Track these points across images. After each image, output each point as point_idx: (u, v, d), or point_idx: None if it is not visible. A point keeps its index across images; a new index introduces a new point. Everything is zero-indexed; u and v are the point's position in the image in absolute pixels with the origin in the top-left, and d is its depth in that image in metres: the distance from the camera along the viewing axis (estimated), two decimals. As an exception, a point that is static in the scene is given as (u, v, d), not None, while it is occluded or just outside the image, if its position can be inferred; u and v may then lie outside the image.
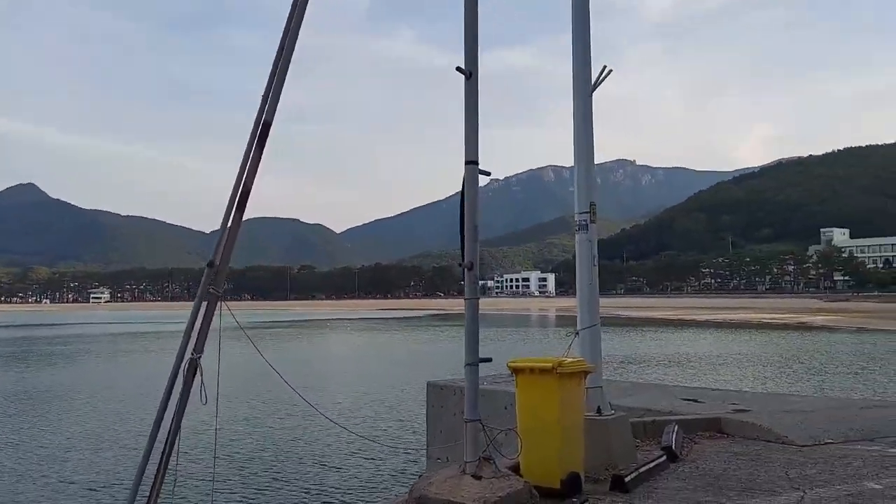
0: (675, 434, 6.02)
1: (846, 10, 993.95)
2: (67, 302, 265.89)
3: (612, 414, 5.75)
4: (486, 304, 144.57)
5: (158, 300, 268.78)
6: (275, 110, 4.40)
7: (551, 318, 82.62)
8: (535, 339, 43.63)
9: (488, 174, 5.20)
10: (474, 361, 4.91)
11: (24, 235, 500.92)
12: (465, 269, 5.10)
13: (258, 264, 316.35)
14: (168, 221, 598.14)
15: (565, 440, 4.80)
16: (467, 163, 4.96)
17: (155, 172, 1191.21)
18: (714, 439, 6.54)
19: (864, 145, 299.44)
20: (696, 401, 7.74)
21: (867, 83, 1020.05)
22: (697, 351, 30.05)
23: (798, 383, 19.43)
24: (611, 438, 5.53)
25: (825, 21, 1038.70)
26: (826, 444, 6.22)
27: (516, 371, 5.03)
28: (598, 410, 5.66)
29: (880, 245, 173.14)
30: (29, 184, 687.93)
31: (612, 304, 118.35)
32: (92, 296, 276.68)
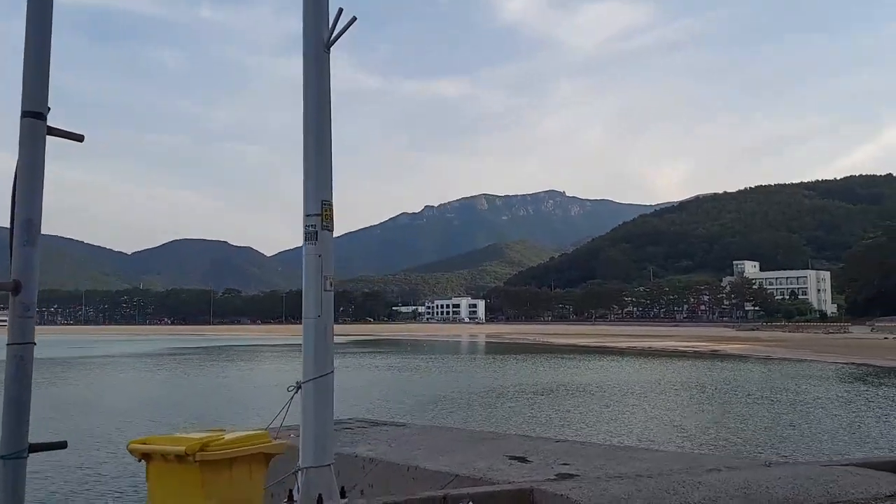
0: None
1: (754, 61, 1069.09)
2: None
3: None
4: (401, 329, 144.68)
5: (70, 323, 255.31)
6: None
7: (461, 343, 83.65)
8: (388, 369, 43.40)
9: (76, 138, 3.30)
10: (16, 451, 2.81)
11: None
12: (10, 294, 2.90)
13: (181, 287, 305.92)
14: (87, 241, 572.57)
15: None
16: (25, 115, 3.02)
17: (72, 191, 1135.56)
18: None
19: (772, 184, 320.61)
20: (523, 459, 6.07)
21: (777, 127, 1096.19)
22: (607, 379, 31.23)
23: (692, 416, 20.61)
24: None
25: (739, 67, 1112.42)
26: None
27: (144, 457, 3.47)
28: (319, 502, 3.86)
29: (787, 277, 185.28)
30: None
31: (539, 331, 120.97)
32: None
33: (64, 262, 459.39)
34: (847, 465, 6.48)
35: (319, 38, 4.10)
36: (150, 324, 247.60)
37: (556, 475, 5.55)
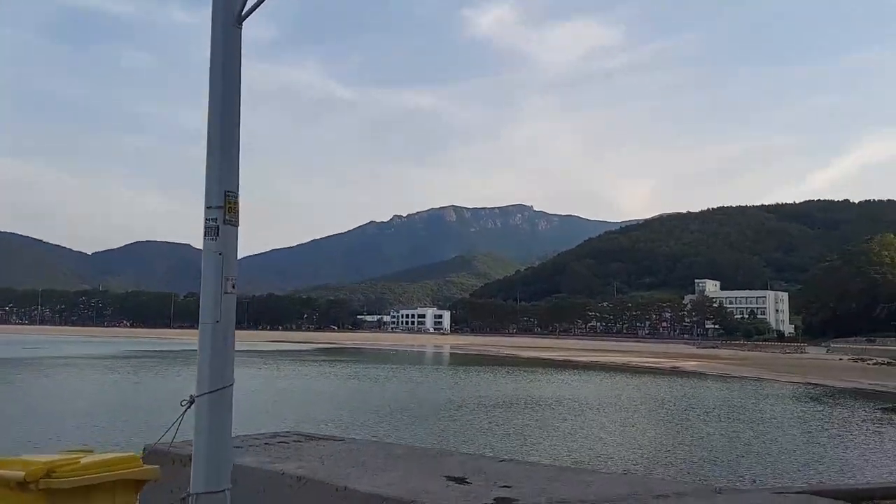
0: None
1: (720, 85, 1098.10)
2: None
3: None
4: (365, 338, 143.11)
5: (25, 323, 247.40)
6: None
7: (424, 353, 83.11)
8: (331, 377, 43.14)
9: None
10: None
11: None
12: None
13: (143, 289, 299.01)
14: (45, 240, 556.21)
15: None
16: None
17: (31, 188, 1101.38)
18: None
19: (734, 205, 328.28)
20: (462, 480, 5.55)
21: (739, 148, 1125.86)
22: (566, 393, 31.03)
23: (649, 433, 20.44)
24: None
25: (705, 90, 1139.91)
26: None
27: None
28: None
29: (746, 297, 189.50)
30: None
31: (503, 344, 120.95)
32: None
33: (21, 261, 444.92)
34: (800, 492, 6.06)
35: (229, 11, 3.44)
36: (108, 326, 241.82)
37: (493, 499, 5.14)
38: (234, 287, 3.34)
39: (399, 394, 28.75)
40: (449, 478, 6.23)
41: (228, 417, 3.32)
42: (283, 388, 31.15)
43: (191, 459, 3.25)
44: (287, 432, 9.47)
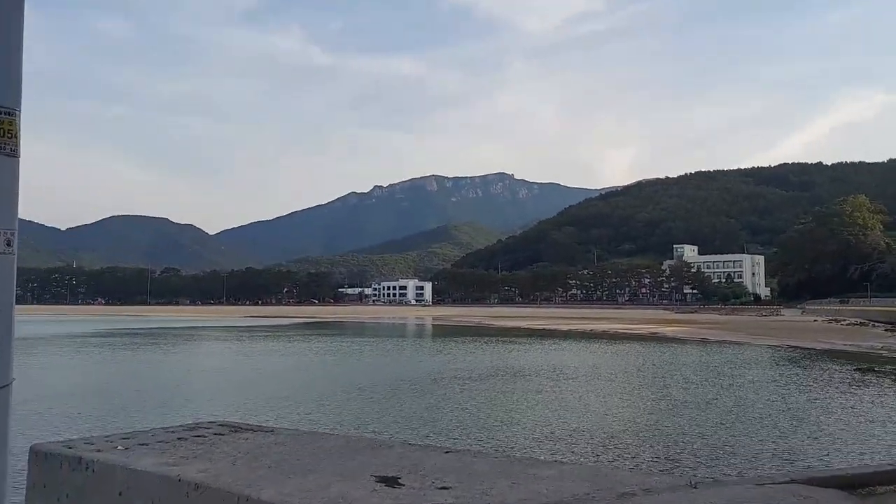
0: None
1: (697, 49, 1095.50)
2: None
3: None
4: (345, 312, 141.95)
5: None
6: None
7: (405, 325, 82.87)
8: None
9: None
10: None
11: None
12: None
13: (117, 265, 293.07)
14: (20, 217, 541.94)
15: None
16: None
17: None
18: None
19: (712, 170, 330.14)
20: (394, 481, 4.13)
21: (718, 113, 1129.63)
22: (544, 363, 30.59)
23: (625, 405, 19.78)
24: None
25: (683, 56, 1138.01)
26: None
27: None
28: None
29: (723, 261, 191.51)
30: None
31: (484, 314, 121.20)
32: None
33: None
34: (786, 481, 5.50)
35: None
36: (82, 304, 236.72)
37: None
38: (11, 245, 2.16)
39: (372, 369, 28.15)
40: (379, 478, 5.48)
41: (4, 422, 2.17)
42: (241, 367, 30.16)
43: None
44: (210, 423, 8.67)
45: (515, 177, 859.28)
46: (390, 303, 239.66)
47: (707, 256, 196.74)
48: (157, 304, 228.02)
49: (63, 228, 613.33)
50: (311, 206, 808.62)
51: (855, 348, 38.38)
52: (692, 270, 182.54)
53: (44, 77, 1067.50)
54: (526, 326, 71.11)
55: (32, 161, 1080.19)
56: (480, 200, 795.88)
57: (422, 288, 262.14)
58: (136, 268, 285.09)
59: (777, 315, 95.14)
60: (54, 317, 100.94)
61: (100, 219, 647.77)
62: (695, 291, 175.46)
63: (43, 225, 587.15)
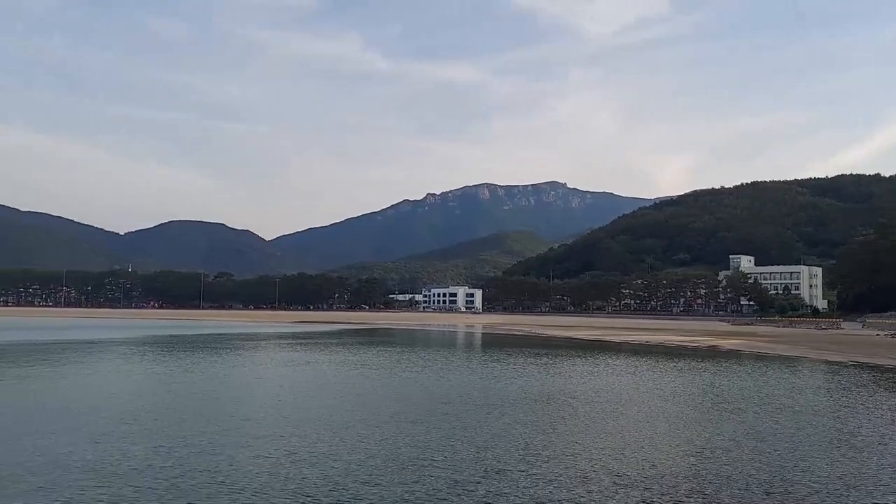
0: None
1: (756, 57, 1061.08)
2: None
3: None
4: (395, 318, 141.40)
5: (49, 305, 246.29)
6: None
7: (456, 333, 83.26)
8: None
9: None
10: None
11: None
12: None
13: (170, 269, 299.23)
14: (77, 220, 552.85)
15: None
16: None
17: (63, 167, 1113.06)
18: None
19: (767, 180, 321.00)
20: None
21: (773, 123, 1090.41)
22: (596, 385, 28.52)
23: (675, 445, 17.67)
24: None
25: (741, 63, 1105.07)
26: None
27: None
28: None
29: (780, 273, 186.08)
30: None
31: (534, 322, 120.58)
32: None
33: (52, 241, 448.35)
34: None
35: None
36: (135, 307, 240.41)
37: None
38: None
39: (404, 387, 26.54)
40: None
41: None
42: (258, 380, 28.86)
43: None
44: None
45: (568, 185, 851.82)
46: (440, 309, 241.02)
47: (764, 267, 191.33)
48: (210, 307, 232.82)
49: (122, 233, 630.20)
50: (365, 212, 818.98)
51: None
52: (749, 281, 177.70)
53: (106, 81, 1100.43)
54: (578, 337, 70.92)
55: (92, 168, 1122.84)
56: (533, 209, 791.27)
57: (472, 295, 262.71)
58: (189, 272, 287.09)
59: (836, 328, 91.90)
60: (96, 322, 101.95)
61: (158, 224, 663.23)
62: (751, 303, 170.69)
63: (102, 230, 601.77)
